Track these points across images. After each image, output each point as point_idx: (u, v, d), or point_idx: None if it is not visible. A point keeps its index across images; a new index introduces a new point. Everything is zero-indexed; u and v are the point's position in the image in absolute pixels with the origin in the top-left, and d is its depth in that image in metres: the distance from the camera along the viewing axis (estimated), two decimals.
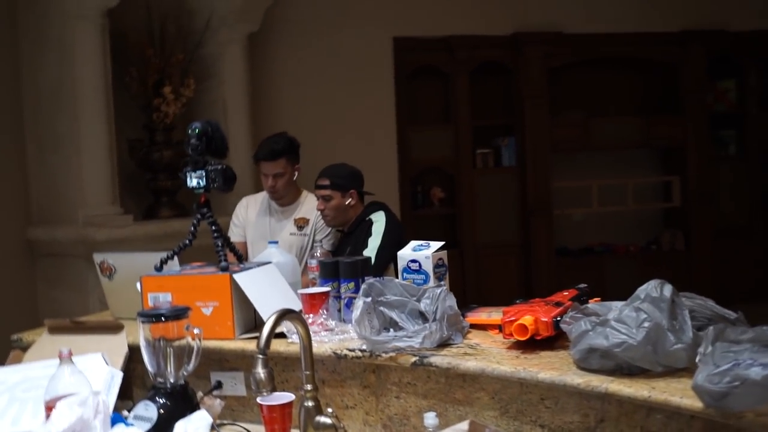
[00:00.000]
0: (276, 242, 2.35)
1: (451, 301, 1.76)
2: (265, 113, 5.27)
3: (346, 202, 2.82)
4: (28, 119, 4.51)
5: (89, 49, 4.28)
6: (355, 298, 1.86)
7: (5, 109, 4.43)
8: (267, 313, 1.73)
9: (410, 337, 1.67)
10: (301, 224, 2.99)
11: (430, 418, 1.46)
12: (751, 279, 6.20)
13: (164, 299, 1.94)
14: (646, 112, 6.33)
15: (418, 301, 1.79)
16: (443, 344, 1.71)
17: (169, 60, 4.73)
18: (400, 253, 2.02)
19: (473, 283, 5.92)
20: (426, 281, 1.98)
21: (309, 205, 3.02)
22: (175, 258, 2.06)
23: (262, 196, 3.08)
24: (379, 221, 2.77)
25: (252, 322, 2.01)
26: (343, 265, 1.97)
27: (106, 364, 1.92)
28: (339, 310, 1.96)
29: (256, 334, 1.76)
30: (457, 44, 5.93)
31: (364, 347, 1.74)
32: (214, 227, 2.05)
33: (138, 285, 2.04)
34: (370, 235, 2.73)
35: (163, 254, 2.06)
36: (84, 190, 4.34)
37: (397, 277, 1.96)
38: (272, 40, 5.47)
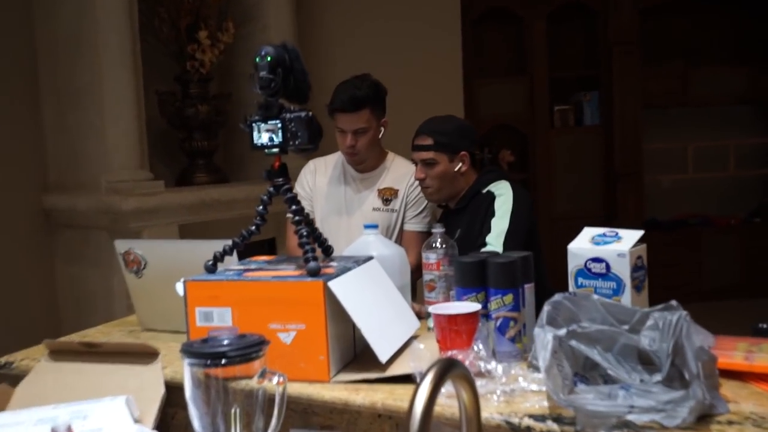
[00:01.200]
0: (375, 226, 1.63)
1: (700, 336, 1.03)
2: (314, 65, 4.51)
3: (455, 168, 2.06)
4: (43, 72, 3.87)
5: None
6: (511, 318, 1.16)
7: (17, 61, 3.80)
8: (379, 341, 1.16)
9: (661, 410, 0.95)
10: (387, 196, 2.24)
11: None
12: None
13: (221, 317, 1.24)
14: (753, 60, 5.45)
15: (634, 332, 1.07)
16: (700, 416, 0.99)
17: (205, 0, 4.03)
18: (571, 247, 1.31)
19: (549, 262, 5.16)
20: (618, 292, 1.26)
21: (397, 172, 2.28)
22: (234, 252, 1.35)
23: (335, 159, 2.34)
24: (503, 195, 2.02)
25: (351, 352, 1.31)
26: (496, 268, 1.25)
27: (132, 418, 1.23)
28: (487, 337, 1.24)
29: (362, 376, 1.22)
30: None
31: (561, 414, 1.02)
32: (294, 206, 1.35)
33: (179, 287, 1.35)
34: (492, 214, 1.98)
35: (217, 244, 1.37)
36: (107, 152, 3.69)
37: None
38: None
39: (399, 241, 2.23)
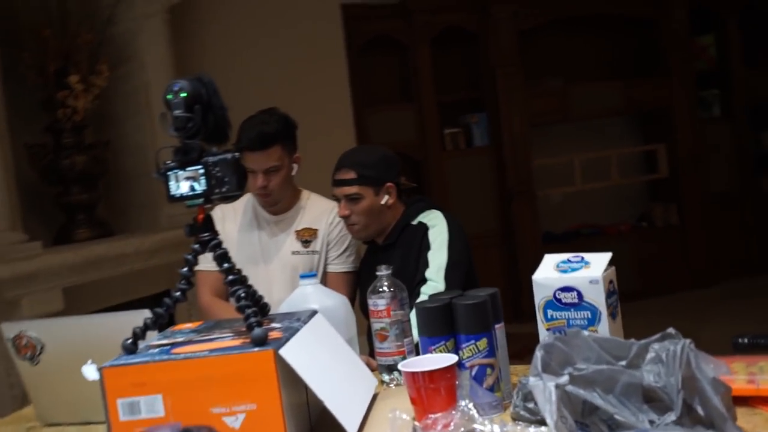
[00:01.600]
0: (313, 275, 1.47)
1: (710, 365, 0.95)
2: None
3: (382, 202, 1.93)
4: None
5: None
6: (487, 365, 1.04)
7: None
8: (344, 411, 1.05)
9: None
10: (306, 237, 2.07)
11: None
12: (751, 247, 5.73)
13: (150, 407, 1.04)
14: (625, 74, 5.70)
15: (634, 367, 0.98)
16: None
17: (74, 41, 3.73)
18: (537, 278, 1.21)
19: None
20: (593, 321, 1.17)
21: (315, 210, 2.12)
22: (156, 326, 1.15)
23: (245, 203, 2.15)
24: (437, 225, 1.89)
25: (307, 424, 1.13)
26: (465, 310, 1.13)
27: None
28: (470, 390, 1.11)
29: None
30: (414, 8, 5.12)
31: None
32: (225, 264, 1.17)
33: (87, 370, 1.14)
34: (427, 247, 1.86)
35: (129, 316, 1.16)
36: None
37: None
38: (199, 13, 4.51)
39: (323, 284, 2.08)
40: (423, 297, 1.73)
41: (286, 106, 4.31)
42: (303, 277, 1.48)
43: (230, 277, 1.16)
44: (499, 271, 5.32)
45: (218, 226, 2.12)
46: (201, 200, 1.16)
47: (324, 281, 2.07)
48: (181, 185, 1.16)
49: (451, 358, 1.05)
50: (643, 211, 5.93)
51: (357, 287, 2.09)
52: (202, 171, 1.14)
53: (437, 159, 5.34)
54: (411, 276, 1.82)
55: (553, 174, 5.65)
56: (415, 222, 1.96)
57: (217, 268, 2.08)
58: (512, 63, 5.29)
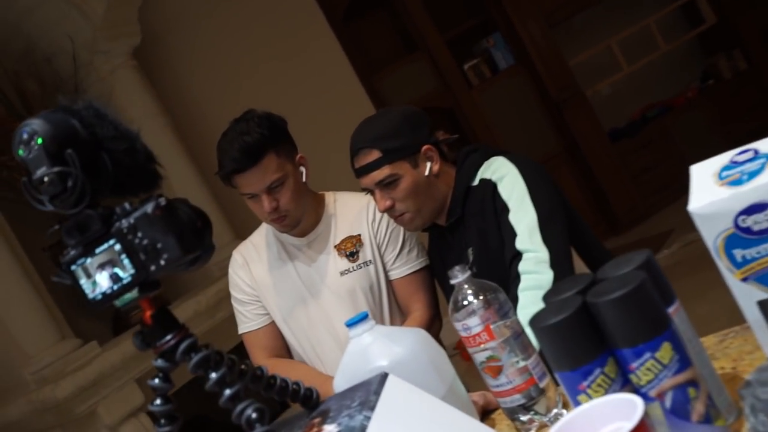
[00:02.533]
0: (363, 316, 1.02)
1: None
2: (197, 131, 3.93)
3: (426, 172, 1.48)
4: None
5: None
6: (686, 383, 0.60)
7: None
8: None
9: None
10: (350, 249, 1.65)
11: None
12: None
13: None
14: None
15: None
16: None
17: None
18: (696, 207, 0.75)
19: None
20: None
21: (348, 213, 1.69)
22: None
23: (264, 235, 1.73)
24: (506, 176, 1.41)
25: None
26: (615, 306, 0.68)
27: None
28: None
29: None
30: None
31: None
32: (214, 373, 0.74)
33: None
34: (505, 209, 1.39)
35: None
36: (13, 340, 3.06)
37: None
38: (166, 43, 4.11)
39: (391, 298, 1.65)
40: (528, 284, 1.29)
41: (291, 102, 3.95)
42: (350, 324, 1.01)
43: (227, 392, 0.72)
44: (576, 188, 4.82)
45: (244, 276, 1.74)
46: (134, 293, 0.75)
47: (392, 294, 1.64)
48: (97, 280, 0.74)
49: (632, 402, 0.61)
50: (704, 69, 5.30)
51: (434, 285, 1.67)
52: (118, 247, 0.73)
53: (467, 99, 4.85)
54: (501, 255, 1.37)
55: (594, 67, 5.09)
56: (475, 182, 1.49)
57: (260, 325, 1.73)
58: None
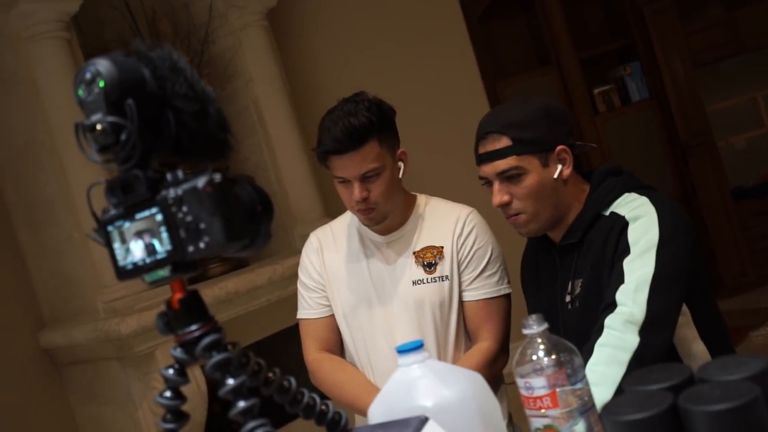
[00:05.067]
0: (417, 345, 0.91)
1: None
2: (314, 107, 3.92)
3: (555, 174, 1.34)
4: (6, 187, 3.34)
5: (58, 77, 3.03)
6: None
7: None
8: None
9: None
10: (429, 259, 1.55)
11: None
12: None
13: None
14: None
15: None
16: None
17: None
18: None
19: None
20: None
21: (436, 220, 1.60)
22: None
23: (346, 224, 1.66)
24: (641, 218, 1.27)
25: None
26: (714, 422, 0.56)
27: None
28: None
29: None
30: None
31: None
32: (232, 379, 0.66)
33: None
34: (625, 252, 1.25)
35: None
36: (95, 268, 3.12)
37: None
38: (301, 10, 4.13)
39: (460, 320, 1.55)
40: (607, 341, 1.16)
41: (410, 95, 3.88)
42: (402, 351, 0.90)
43: (240, 405, 0.63)
44: None
45: (315, 260, 1.67)
46: (166, 272, 0.67)
47: (462, 315, 1.54)
48: (131, 248, 0.67)
49: None
50: None
51: (509, 317, 1.55)
52: (160, 218, 0.65)
53: (590, 124, 4.64)
54: (595, 302, 1.24)
55: (733, 118, 4.77)
56: (607, 212, 1.34)
57: (319, 315, 1.65)
58: None
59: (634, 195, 1.34)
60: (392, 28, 4.21)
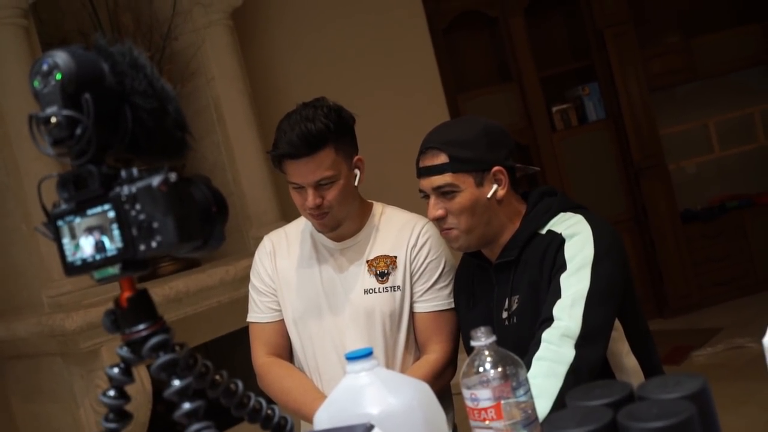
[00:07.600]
0: (366, 353, 0.92)
1: None
2: (275, 110, 3.91)
3: (488, 194, 1.38)
4: None
5: (13, 65, 2.95)
6: None
7: None
8: None
9: None
10: (382, 269, 1.56)
11: None
12: None
13: None
14: (763, 17, 4.85)
15: None
16: None
17: None
18: None
19: None
20: None
21: (391, 229, 1.60)
22: None
23: (300, 229, 1.66)
24: (576, 236, 1.31)
25: None
26: None
27: None
28: None
29: None
30: None
31: None
32: (178, 380, 0.65)
33: None
34: (562, 268, 1.28)
35: None
36: (43, 261, 3.05)
37: None
38: (264, 10, 4.11)
39: (410, 330, 1.55)
40: (544, 354, 1.19)
41: (366, 99, 3.89)
42: (351, 358, 0.90)
43: (185, 407, 0.63)
44: (633, 259, 4.62)
45: (268, 264, 1.67)
46: (116, 270, 0.67)
47: (412, 327, 1.55)
48: (81, 244, 0.66)
49: None
50: None
51: (458, 330, 1.56)
52: (112, 215, 0.65)
53: (547, 141, 4.71)
54: (531, 317, 1.27)
55: (685, 142, 4.89)
56: (543, 231, 1.38)
57: (269, 319, 1.65)
58: (622, 21, 4.58)
59: (569, 214, 1.39)
60: (356, 35, 4.22)
